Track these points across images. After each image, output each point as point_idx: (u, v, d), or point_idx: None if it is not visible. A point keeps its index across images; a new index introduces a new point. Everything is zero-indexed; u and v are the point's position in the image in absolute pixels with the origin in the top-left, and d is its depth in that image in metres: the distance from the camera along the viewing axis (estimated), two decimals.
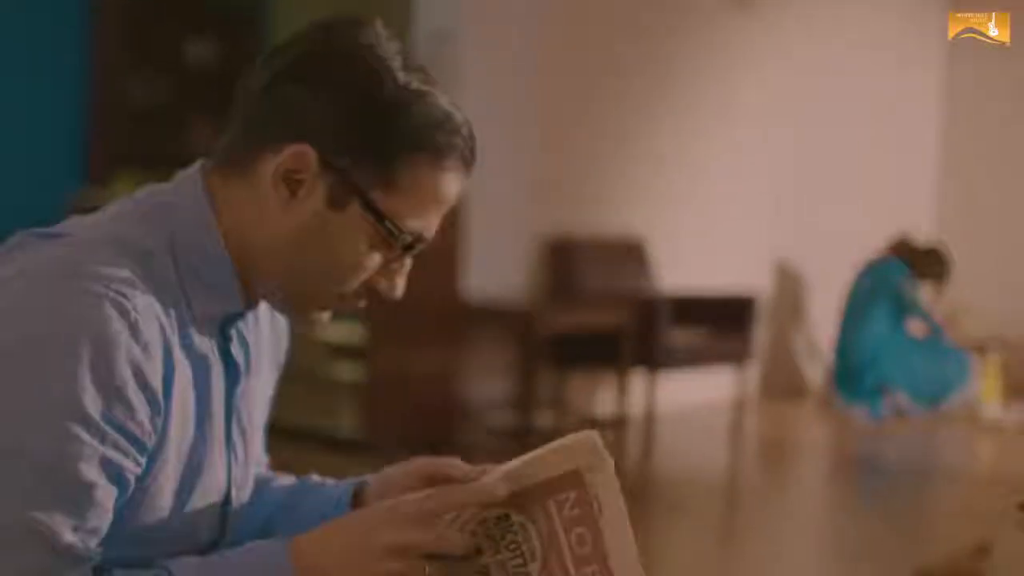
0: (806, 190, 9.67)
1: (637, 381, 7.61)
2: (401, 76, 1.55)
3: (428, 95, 1.57)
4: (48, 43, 8.78)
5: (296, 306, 1.63)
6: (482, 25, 7.24)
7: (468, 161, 1.60)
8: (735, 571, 5.34)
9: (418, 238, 1.58)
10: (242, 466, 1.68)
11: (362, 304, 1.63)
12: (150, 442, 1.46)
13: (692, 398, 8.40)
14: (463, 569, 1.52)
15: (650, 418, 7.49)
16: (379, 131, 1.54)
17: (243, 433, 1.67)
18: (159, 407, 1.46)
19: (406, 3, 7.42)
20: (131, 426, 1.42)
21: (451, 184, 1.58)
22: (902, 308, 9.05)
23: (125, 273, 1.45)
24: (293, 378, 7.59)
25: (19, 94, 8.64)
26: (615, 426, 7.49)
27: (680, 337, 7.63)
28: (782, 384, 9.56)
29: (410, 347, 6.73)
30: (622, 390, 7.40)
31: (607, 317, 7.29)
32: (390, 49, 1.57)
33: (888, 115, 10.45)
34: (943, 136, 11.11)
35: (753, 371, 8.83)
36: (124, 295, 1.42)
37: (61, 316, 1.39)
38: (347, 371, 6.89)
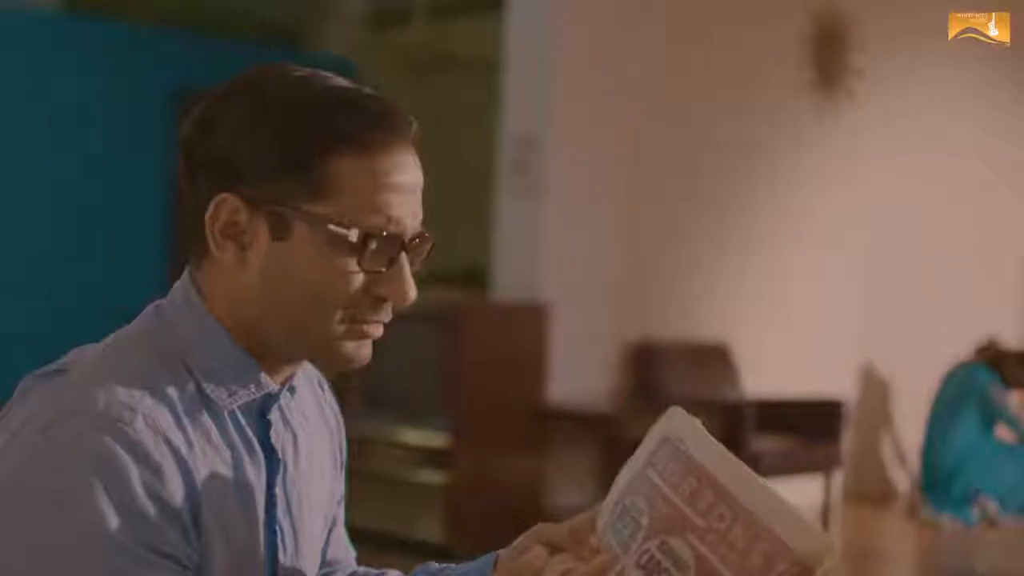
0: (891, 293, 9.59)
1: None
2: (289, 76, 1.52)
3: (320, 82, 1.52)
4: (134, 146, 8.93)
5: (316, 349, 1.55)
6: (568, 130, 7.27)
7: (394, 129, 1.51)
8: None
9: (383, 232, 1.49)
10: (292, 557, 1.63)
11: (386, 317, 1.56)
12: (191, 558, 1.45)
13: None
14: None
15: None
16: (281, 143, 1.48)
17: (292, 521, 1.63)
18: (186, 527, 1.45)
19: (493, 109, 7.49)
20: (165, 547, 1.41)
21: (387, 162, 1.50)
22: (990, 414, 8.92)
23: (123, 398, 1.44)
24: (374, 481, 7.58)
25: (108, 197, 8.78)
26: None
27: (767, 444, 7.55)
28: (869, 490, 9.42)
29: (493, 451, 6.70)
30: None
31: None
32: (278, 67, 1.54)
33: (974, 216, 10.36)
34: None
35: (839, 477, 8.72)
36: (123, 421, 1.41)
37: (66, 466, 1.39)
38: (429, 475, 6.87)
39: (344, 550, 1.89)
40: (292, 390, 1.64)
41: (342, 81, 1.54)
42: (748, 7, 8.44)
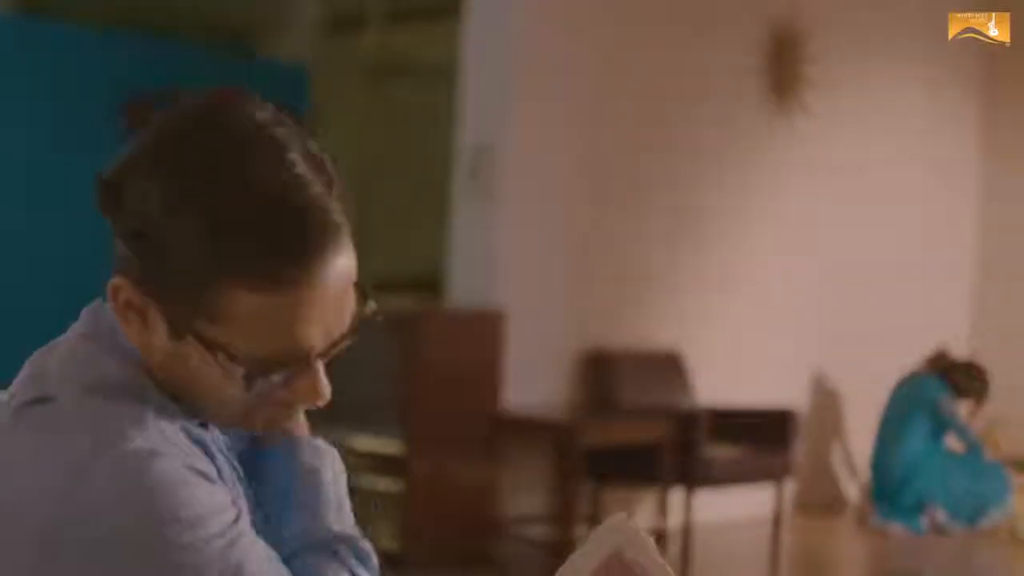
0: (842, 302, 9.63)
1: (675, 496, 7.54)
2: (220, 157, 1.30)
3: (254, 173, 1.29)
4: (82, 148, 8.85)
5: (223, 426, 1.44)
6: (525, 138, 7.28)
7: (309, 259, 1.29)
8: None
9: (282, 359, 1.32)
10: None
11: (298, 417, 1.47)
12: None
13: (730, 513, 8.31)
14: None
15: (688, 533, 7.41)
16: (179, 253, 1.29)
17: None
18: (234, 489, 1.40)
19: (449, 115, 7.48)
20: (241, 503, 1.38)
21: (297, 296, 1.30)
22: (940, 424, 8.97)
23: (128, 413, 1.32)
24: None
25: (55, 200, 8.71)
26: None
27: (718, 452, 7.57)
28: (819, 499, 9.46)
29: (448, 459, 6.69)
30: (661, 505, 7.33)
31: (645, 431, 7.24)
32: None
33: (924, 227, 10.42)
34: (979, 248, 11.06)
35: (790, 486, 8.75)
36: (157, 451, 1.30)
37: (127, 505, 1.27)
38: (383, 483, 6.85)
39: None
40: None
41: (277, 176, 1.30)
42: (704, 17, 8.47)
